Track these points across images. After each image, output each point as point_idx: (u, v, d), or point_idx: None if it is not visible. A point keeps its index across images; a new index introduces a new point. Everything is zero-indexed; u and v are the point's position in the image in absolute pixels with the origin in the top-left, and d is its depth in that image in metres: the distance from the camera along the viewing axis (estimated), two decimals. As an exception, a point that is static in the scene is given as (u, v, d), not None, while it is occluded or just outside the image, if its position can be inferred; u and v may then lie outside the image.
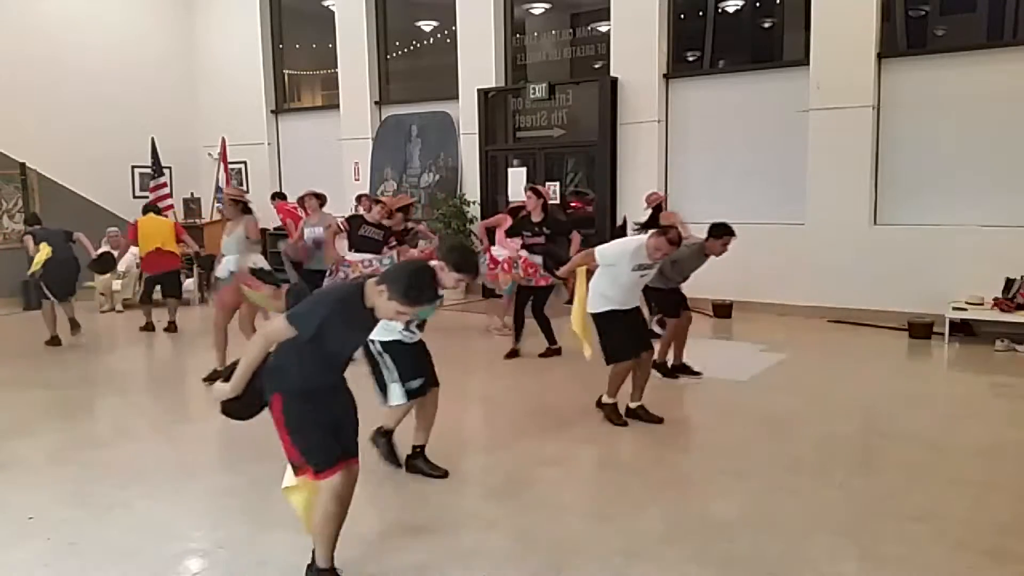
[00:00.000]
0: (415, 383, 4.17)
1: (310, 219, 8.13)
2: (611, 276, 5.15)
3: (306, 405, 2.98)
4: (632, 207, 10.34)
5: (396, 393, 4.16)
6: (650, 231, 5.35)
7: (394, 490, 4.43)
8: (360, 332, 3.15)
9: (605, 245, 5.38)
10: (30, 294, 10.43)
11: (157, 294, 9.57)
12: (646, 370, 5.41)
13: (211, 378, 6.33)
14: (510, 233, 7.51)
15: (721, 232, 5.96)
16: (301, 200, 8.35)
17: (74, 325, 8.60)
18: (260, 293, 6.36)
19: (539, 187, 7.86)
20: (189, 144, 13.87)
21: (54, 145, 11.98)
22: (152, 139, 12.26)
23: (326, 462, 2.99)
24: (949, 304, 8.08)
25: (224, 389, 3.02)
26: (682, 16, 10.39)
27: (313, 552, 3.15)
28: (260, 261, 6.64)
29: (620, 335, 5.19)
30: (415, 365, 4.19)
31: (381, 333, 3.97)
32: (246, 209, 6.66)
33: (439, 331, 6.62)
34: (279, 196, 11.71)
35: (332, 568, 3.13)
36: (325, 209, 8.25)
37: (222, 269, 6.58)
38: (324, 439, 3.00)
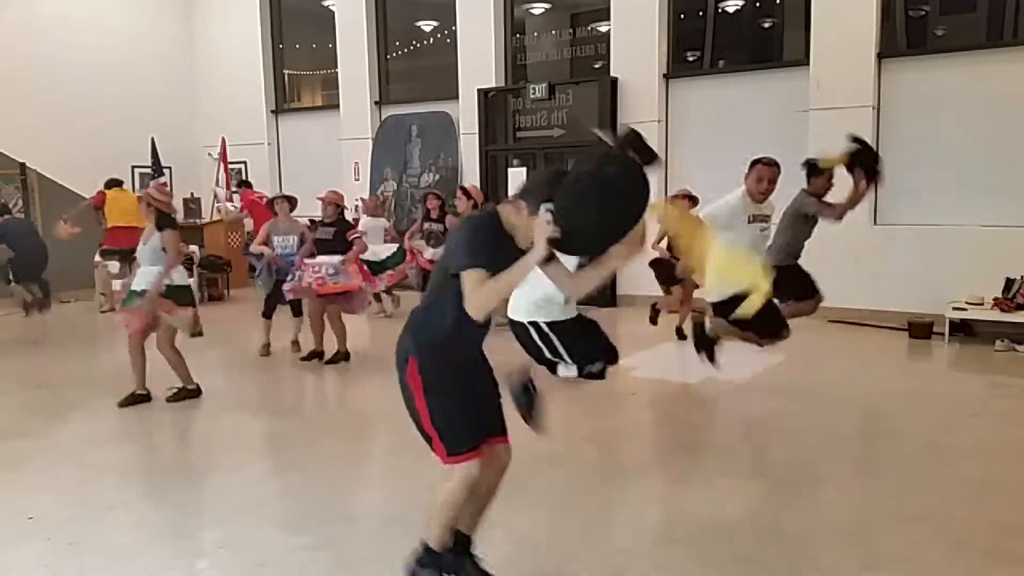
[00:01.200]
0: (596, 366, 3.64)
1: (279, 225, 7.58)
2: (731, 242, 4.70)
3: (447, 376, 2.64)
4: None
5: (568, 370, 3.64)
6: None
7: (392, 487, 4.44)
8: (506, 257, 2.55)
9: (709, 208, 4.95)
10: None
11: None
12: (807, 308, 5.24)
13: (130, 402, 5.90)
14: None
15: (818, 170, 5.61)
16: (271, 203, 7.90)
17: (43, 304, 8.82)
18: (179, 316, 5.88)
19: (470, 189, 8.08)
20: (189, 144, 13.88)
21: (54, 145, 11.99)
22: (152, 139, 12.25)
23: (462, 445, 2.63)
24: (949, 304, 8.08)
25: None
26: (682, 16, 10.39)
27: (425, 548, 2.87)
28: (178, 277, 5.98)
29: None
30: (593, 344, 3.66)
31: (541, 314, 3.52)
32: (168, 220, 5.94)
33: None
34: (245, 184, 11.70)
35: (444, 551, 2.85)
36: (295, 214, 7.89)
37: (136, 282, 5.92)
38: (465, 419, 2.65)
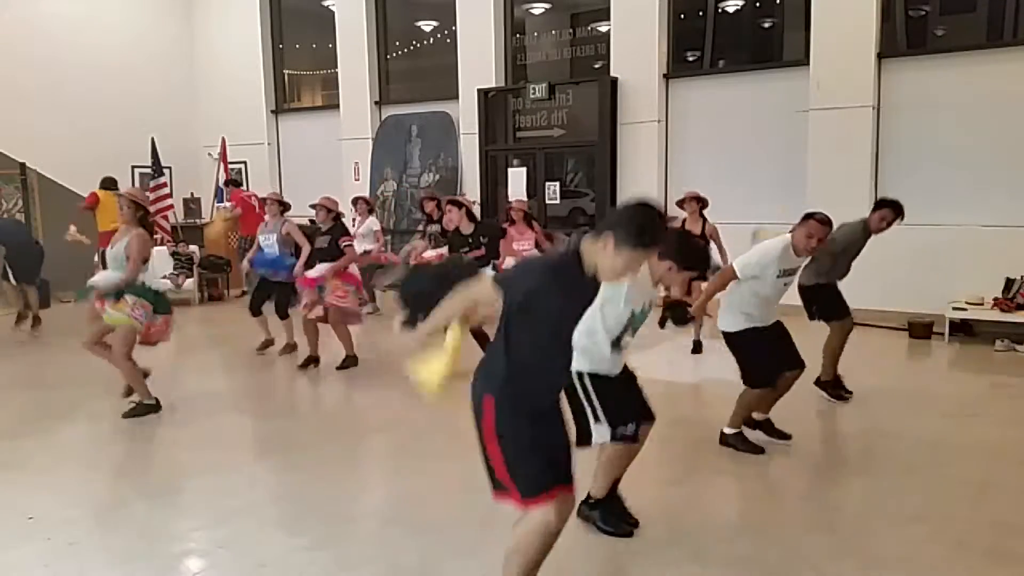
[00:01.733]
0: (628, 429, 3.46)
1: (267, 224, 7.52)
2: (751, 290, 4.52)
3: (521, 421, 2.55)
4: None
5: (604, 435, 3.46)
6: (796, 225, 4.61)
7: (392, 487, 4.44)
8: (579, 306, 2.58)
9: (745, 256, 4.63)
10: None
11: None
12: (786, 387, 4.90)
13: (135, 413, 5.62)
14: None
15: (880, 206, 5.57)
16: (263, 201, 7.77)
17: (35, 320, 8.87)
18: (120, 313, 5.37)
19: (458, 198, 7.15)
20: (189, 144, 13.87)
21: (54, 145, 11.98)
22: (152, 139, 12.26)
23: (538, 488, 2.54)
24: (949, 304, 8.08)
25: (416, 334, 2.66)
26: (682, 16, 10.39)
27: None
28: (152, 281, 5.63)
29: (765, 355, 4.65)
30: (628, 406, 3.50)
31: (586, 363, 3.39)
32: (144, 220, 5.53)
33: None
34: (233, 183, 11.68)
35: None
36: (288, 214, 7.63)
37: (95, 280, 5.60)
38: (540, 463, 2.56)
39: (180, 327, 9.55)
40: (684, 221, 7.57)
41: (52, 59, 12.23)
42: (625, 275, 2.48)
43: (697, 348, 7.33)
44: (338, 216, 7.11)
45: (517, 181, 10.95)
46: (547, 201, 10.86)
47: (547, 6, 11.67)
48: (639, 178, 10.29)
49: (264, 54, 13.71)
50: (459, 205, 6.74)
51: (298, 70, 14.34)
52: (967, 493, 4.14)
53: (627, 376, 3.59)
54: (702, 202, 7.38)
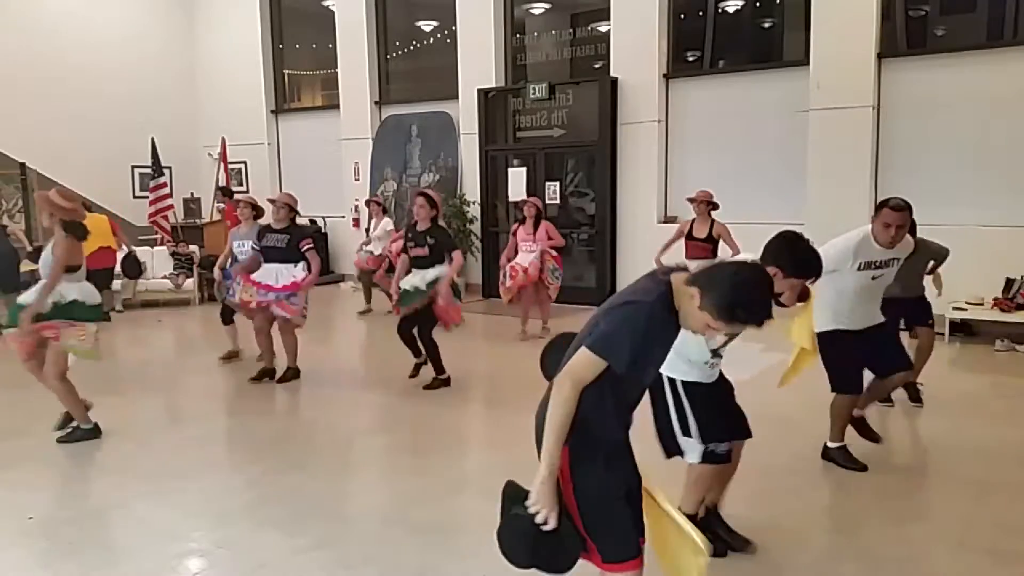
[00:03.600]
0: (721, 448, 3.18)
1: (239, 230, 7.10)
2: (833, 286, 4.20)
3: (602, 472, 2.29)
4: (632, 208, 10.37)
5: (693, 452, 3.20)
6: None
7: (392, 487, 4.44)
8: (666, 346, 2.34)
9: (825, 247, 4.08)
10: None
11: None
12: (886, 389, 4.79)
13: (72, 438, 5.17)
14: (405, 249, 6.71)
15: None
16: (236, 204, 7.42)
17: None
18: (73, 342, 4.89)
19: (431, 193, 6.62)
20: (189, 144, 13.89)
21: (54, 145, 12.00)
22: (152, 139, 12.27)
23: (622, 554, 2.27)
24: (949, 304, 8.07)
25: (541, 496, 2.19)
26: (682, 16, 10.39)
27: None
28: (80, 293, 5.00)
29: (845, 359, 4.37)
30: (723, 421, 3.24)
31: (680, 369, 3.13)
32: (70, 225, 4.93)
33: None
34: (226, 193, 11.58)
35: None
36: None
37: (25, 295, 5.08)
38: (622, 523, 2.29)
39: (180, 327, 9.60)
40: (693, 221, 7.52)
41: (52, 59, 12.25)
42: (702, 332, 2.27)
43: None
44: (296, 215, 6.78)
45: (517, 181, 10.95)
46: (547, 201, 10.85)
47: (547, 6, 11.67)
48: (639, 178, 10.29)
49: (264, 54, 13.73)
50: (431, 203, 6.41)
51: (298, 70, 14.35)
52: (967, 493, 4.14)
53: (724, 387, 3.39)
54: (712, 203, 7.37)
